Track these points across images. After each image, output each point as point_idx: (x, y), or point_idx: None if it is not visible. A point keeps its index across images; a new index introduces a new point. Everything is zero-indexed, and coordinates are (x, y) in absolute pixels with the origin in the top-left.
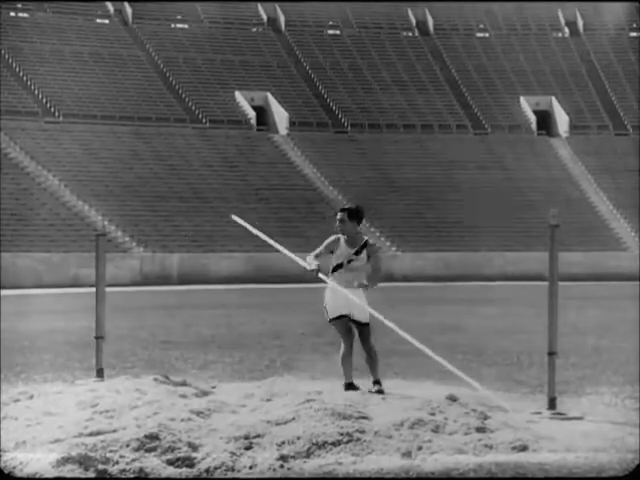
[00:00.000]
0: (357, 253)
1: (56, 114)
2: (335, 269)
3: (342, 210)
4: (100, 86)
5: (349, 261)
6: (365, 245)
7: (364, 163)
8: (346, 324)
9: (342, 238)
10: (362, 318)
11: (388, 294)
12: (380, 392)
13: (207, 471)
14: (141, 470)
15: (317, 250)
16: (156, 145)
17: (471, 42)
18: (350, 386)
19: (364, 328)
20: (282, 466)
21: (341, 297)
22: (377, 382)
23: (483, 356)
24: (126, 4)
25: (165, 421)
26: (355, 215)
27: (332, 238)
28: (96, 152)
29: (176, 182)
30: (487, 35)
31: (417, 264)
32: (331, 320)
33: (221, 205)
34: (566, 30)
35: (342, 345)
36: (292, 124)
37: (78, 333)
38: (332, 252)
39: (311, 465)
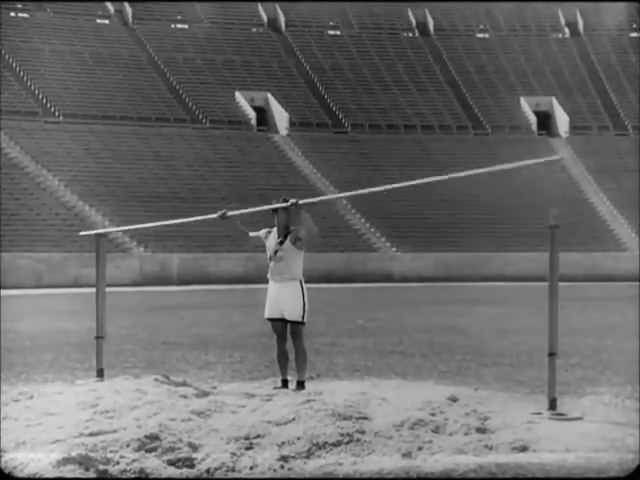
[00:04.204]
0: (281, 243)
1: (56, 114)
2: (269, 263)
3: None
4: (100, 86)
5: (275, 252)
6: (288, 233)
7: (364, 163)
8: (279, 326)
9: (274, 230)
10: (293, 316)
11: (388, 294)
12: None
13: (208, 471)
14: (142, 470)
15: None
16: (156, 145)
17: (471, 43)
18: (285, 383)
19: (294, 326)
20: (282, 466)
21: (276, 294)
22: (300, 383)
23: (483, 357)
24: (126, 4)
25: (165, 421)
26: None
27: (266, 229)
28: (96, 152)
29: (176, 182)
30: (487, 36)
31: (416, 264)
32: (266, 319)
33: (221, 205)
34: (566, 30)
35: (275, 344)
36: (292, 124)
37: (78, 333)
38: (265, 241)
39: (311, 465)
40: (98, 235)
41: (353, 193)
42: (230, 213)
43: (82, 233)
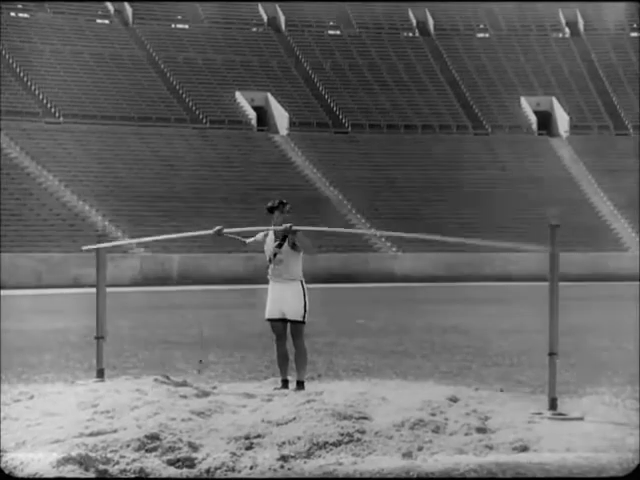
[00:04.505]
0: (279, 245)
1: (56, 114)
2: (268, 265)
3: (285, 203)
4: (100, 86)
5: (274, 254)
6: (286, 235)
7: (365, 163)
8: (279, 326)
9: (271, 233)
10: (294, 316)
11: (388, 294)
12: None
13: (208, 471)
14: (142, 470)
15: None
16: (156, 145)
17: (472, 42)
18: (285, 383)
19: (295, 326)
20: (283, 466)
21: (277, 295)
22: (300, 383)
23: (484, 356)
24: (126, 4)
25: (166, 421)
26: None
27: (263, 232)
28: (96, 152)
29: (176, 182)
30: (487, 35)
31: (417, 264)
32: (266, 319)
33: (221, 205)
34: (567, 30)
35: (275, 345)
36: (292, 124)
37: (78, 333)
38: (263, 244)
39: (312, 465)
40: (99, 236)
41: (351, 231)
42: (226, 230)
43: (84, 248)
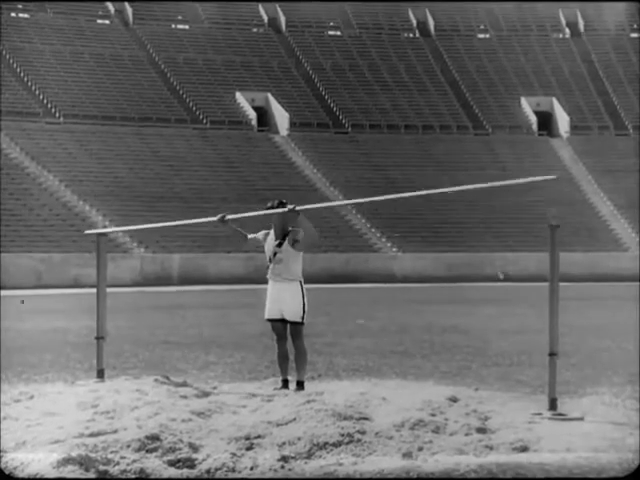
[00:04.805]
0: (279, 245)
1: (57, 114)
2: (268, 265)
3: (285, 203)
4: (101, 86)
5: (274, 254)
6: (286, 234)
7: (365, 164)
8: (278, 326)
9: (272, 232)
10: (292, 317)
11: (389, 294)
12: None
13: (208, 472)
14: (142, 471)
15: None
16: (156, 145)
17: (472, 43)
18: (285, 383)
19: (294, 326)
20: (283, 467)
21: (276, 295)
22: (300, 383)
23: (484, 356)
24: (126, 4)
25: (166, 422)
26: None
27: (264, 231)
28: (96, 152)
29: (177, 182)
30: (488, 36)
31: (417, 264)
32: (266, 319)
33: (221, 206)
34: (567, 31)
35: (276, 345)
36: (293, 125)
37: (78, 333)
38: (264, 243)
39: (312, 466)
40: (99, 235)
41: (352, 202)
42: (229, 217)
43: (86, 232)
